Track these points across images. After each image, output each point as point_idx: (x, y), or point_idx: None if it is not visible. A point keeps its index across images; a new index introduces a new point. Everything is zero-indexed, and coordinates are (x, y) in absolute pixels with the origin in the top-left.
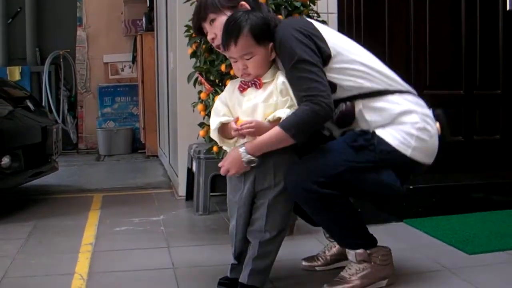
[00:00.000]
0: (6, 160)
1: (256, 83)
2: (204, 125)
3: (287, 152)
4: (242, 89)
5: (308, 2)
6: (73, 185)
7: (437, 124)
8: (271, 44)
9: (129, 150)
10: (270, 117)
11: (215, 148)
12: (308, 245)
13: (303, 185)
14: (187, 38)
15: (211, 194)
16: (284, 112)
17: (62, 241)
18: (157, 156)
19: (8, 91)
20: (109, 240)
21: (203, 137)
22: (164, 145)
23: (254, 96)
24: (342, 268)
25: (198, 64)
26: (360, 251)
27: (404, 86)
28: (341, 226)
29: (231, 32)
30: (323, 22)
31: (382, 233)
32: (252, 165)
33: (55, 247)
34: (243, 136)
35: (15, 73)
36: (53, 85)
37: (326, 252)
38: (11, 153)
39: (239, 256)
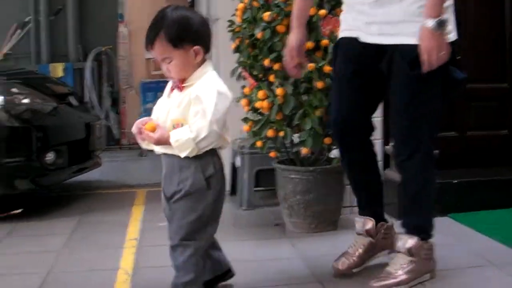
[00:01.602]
0: (50, 156)
1: (179, 86)
2: (248, 120)
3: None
4: (171, 90)
5: None
6: (116, 180)
7: None
8: (195, 47)
9: None
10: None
11: (258, 143)
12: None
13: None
14: (230, 33)
15: (255, 189)
16: (180, 133)
17: (106, 236)
18: None
19: (51, 88)
20: (154, 235)
21: (247, 132)
22: None
23: (173, 99)
24: (379, 264)
25: (241, 59)
26: (415, 240)
27: None
28: (426, 199)
29: (148, 35)
30: None
31: None
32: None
33: (99, 242)
34: (142, 139)
35: (58, 70)
36: (95, 81)
37: (361, 250)
38: (55, 150)
39: None
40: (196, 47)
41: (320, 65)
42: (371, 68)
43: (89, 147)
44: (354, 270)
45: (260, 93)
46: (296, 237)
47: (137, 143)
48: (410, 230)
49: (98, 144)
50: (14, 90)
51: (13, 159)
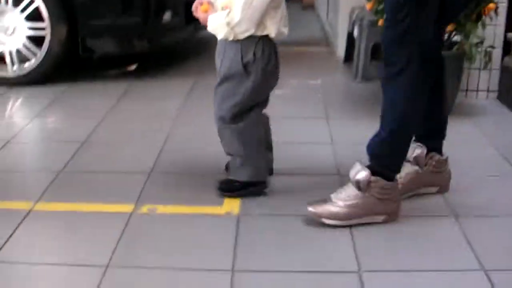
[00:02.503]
0: (167, 15)
1: None
2: None
3: None
4: None
5: None
6: None
7: None
8: None
9: None
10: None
11: (380, 22)
12: None
13: None
14: None
15: (371, 61)
16: (216, 17)
17: None
18: (313, 7)
19: None
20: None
21: (370, 10)
22: None
23: None
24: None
25: None
26: (366, 174)
27: None
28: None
29: None
30: None
31: None
32: None
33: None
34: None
35: None
36: None
37: (405, 177)
38: (172, 9)
39: None
40: None
41: None
42: None
43: None
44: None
45: None
46: None
47: None
48: (370, 157)
49: None
50: None
51: (131, 19)
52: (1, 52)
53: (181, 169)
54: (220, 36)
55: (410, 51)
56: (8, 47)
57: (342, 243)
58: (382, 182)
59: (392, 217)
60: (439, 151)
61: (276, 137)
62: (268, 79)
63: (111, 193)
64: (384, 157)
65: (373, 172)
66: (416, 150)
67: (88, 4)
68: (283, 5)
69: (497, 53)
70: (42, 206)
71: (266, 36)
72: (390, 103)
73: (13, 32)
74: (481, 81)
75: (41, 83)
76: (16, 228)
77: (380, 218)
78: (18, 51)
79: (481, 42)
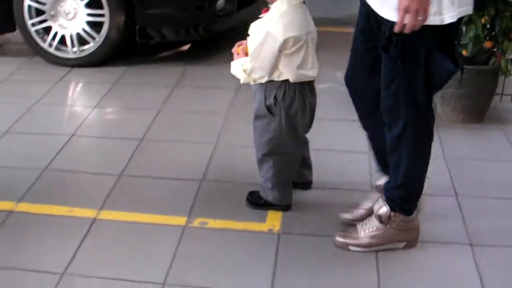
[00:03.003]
0: (220, 2)
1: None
2: None
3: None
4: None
5: None
6: None
7: None
8: None
9: None
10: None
11: None
12: None
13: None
14: None
15: None
16: (237, 63)
17: None
18: None
19: None
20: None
21: None
22: None
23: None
24: None
25: None
26: (387, 210)
27: None
28: (411, 168)
29: None
30: None
31: None
32: None
33: None
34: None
35: None
36: None
37: (371, 203)
38: None
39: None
40: None
41: None
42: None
43: None
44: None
45: None
46: (443, 125)
47: None
48: (388, 198)
49: None
50: None
51: (186, 8)
52: (62, 35)
53: (229, 178)
54: (241, 81)
55: (405, 119)
56: (69, 31)
57: (366, 268)
58: (401, 216)
59: (412, 243)
60: None
61: (316, 143)
62: (294, 120)
63: (166, 203)
64: (400, 200)
65: (393, 209)
66: (379, 179)
67: None
68: (307, 49)
69: None
70: (105, 215)
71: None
72: (397, 161)
73: (73, 17)
74: None
75: (99, 65)
76: (83, 240)
77: (401, 245)
78: (78, 35)
79: None
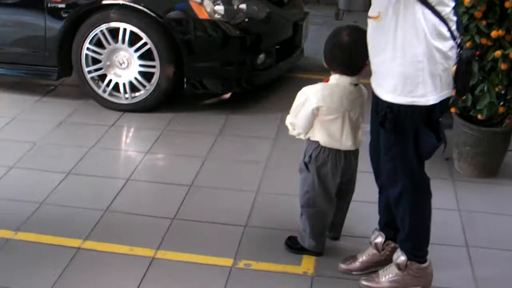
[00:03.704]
0: (261, 57)
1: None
2: None
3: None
4: None
5: None
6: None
7: None
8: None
9: (367, 7)
10: None
11: None
12: None
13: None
14: None
15: None
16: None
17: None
18: None
19: None
20: None
21: None
22: None
23: None
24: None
25: None
26: (404, 259)
27: None
28: (420, 228)
29: None
30: None
31: None
32: None
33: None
34: None
35: None
36: None
37: (364, 257)
38: (266, 51)
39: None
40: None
41: (507, 52)
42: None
43: (295, 43)
44: (355, 273)
45: None
46: (459, 180)
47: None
48: (403, 249)
49: (303, 38)
50: None
51: (230, 62)
52: (116, 82)
53: (269, 224)
54: (289, 132)
55: (402, 182)
56: (122, 79)
57: None
58: (416, 264)
59: (428, 286)
60: (394, 240)
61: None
62: (325, 180)
63: (214, 245)
64: (412, 250)
65: (409, 258)
66: (376, 237)
67: (193, 48)
68: (343, 123)
69: None
70: (162, 255)
71: None
72: (401, 216)
73: (127, 67)
74: None
75: (149, 111)
76: (143, 276)
77: None
78: (130, 83)
79: None
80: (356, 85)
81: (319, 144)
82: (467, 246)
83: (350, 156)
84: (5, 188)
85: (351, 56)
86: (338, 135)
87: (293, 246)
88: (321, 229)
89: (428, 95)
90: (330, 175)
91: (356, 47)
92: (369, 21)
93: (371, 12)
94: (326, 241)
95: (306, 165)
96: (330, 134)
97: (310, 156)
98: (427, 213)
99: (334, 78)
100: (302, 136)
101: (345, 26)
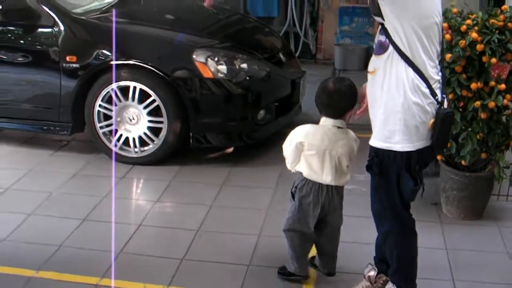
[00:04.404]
0: (261, 113)
1: None
2: None
3: None
4: None
5: None
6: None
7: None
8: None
9: (362, 67)
10: None
11: None
12: None
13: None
14: None
15: None
16: None
17: None
18: None
19: (263, 42)
20: None
21: None
22: None
23: None
24: None
25: None
26: None
27: None
28: (406, 267)
29: None
30: None
31: None
32: None
33: None
34: None
35: None
36: (298, 2)
37: None
38: (266, 107)
39: None
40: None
41: (485, 102)
42: None
43: (293, 100)
44: None
45: None
46: (446, 222)
47: (330, 59)
48: (393, 281)
49: (300, 96)
50: (235, 58)
51: (233, 119)
52: (126, 137)
53: (270, 263)
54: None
55: (389, 222)
56: (132, 134)
57: None
58: None
59: None
60: (386, 273)
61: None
62: (306, 210)
63: (220, 283)
64: (401, 282)
65: None
66: (370, 271)
67: (198, 105)
68: (323, 159)
69: None
70: None
71: None
72: (390, 253)
73: (136, 123)
74: (511, 188)
75: (157, 164)
76: None
77: None
78: (140, 137)
79: (507, 167)
80: (340, 128)
81: (304, 177)
82: (453, 280)
83: (332, 192)
84: (25, 232)
85: (333, 101)
86: (319, 170)
87: (283, 272)
88: (302, 252)
89: (403, 142)
90: (311, 206)
91: (338, 93)
92: (368, 76)
93: (369, 68)
94: (308, 266)
95: (292, 194)
96: (312, 168)
97: (296, 187)
98: (412, 250)
99: (321, 120)
100: (290, 167)
101: (334, 77)
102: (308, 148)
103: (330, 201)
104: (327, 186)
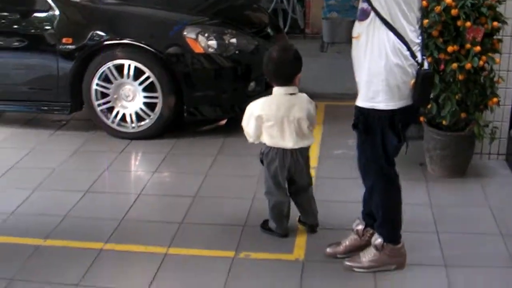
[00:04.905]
0: (251, 85)
1: None
2: None
3: None
4: None
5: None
6: None
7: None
8: None
9: (349, 39)
10: None
11: None
12: None
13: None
14: None
15: None
16: None
17: None
18: None
19: (251, 18)
20: (330, 166)
21: None
22: None
23: None
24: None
25: None
26: (380, 241)
27: None
28: (392, 215)
29: None
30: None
31: None
32: None
33: None
34: None
35: None
36: None
37: (347, 242)
38: (256, 79)
39: None
40: None
41: (462, 64)
42: None
43: None
44: (339, 256)
45: None
46: (431, 180)
47: (318, 33)
48: (379, 233)
49: None
50: (225, 34)
51: (224, 91)
52: (123, 113)
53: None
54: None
55: (373, 175)
56: (129, 110)
57: (366, 282)
58: (391, 245)
59: (400, 266)
60: (373, 227)
61: (331, 196)
62: (275, 174)
63: (219, 241)
64: (386, 234)
65: (384, 240)
66: (358, 225)
67: (191, 79)
68: (282, 126)
69: (505, 126)
70: (173, 251)
71: None
72: (375, 206)
73: (132, 99)
74: (492, 147)
75: (154, 138)
76: (158, 268)
77: (392, 267)
78: (136, 113)
79: (487, 125)
80: (293, 94)
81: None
82: (437, 232)
83: (297, 154)
84: (31, 206)
85: (280, 69)
86: (280, 138)
87: (264, 226)
88: (279, 215)
89: (386, 101)
90: (278, 170)
91: (282, 60)
92: (353, 41)
93: (353, 33)
94: (288, 225)
95: (261, 160)
96: (273, 137)
97: (262, 153)
98: (397, 202)
99: (273, 90)
100: (251, 141)
101: (276, 45)
102: (267, 119)
103: (296, 163)
104: (291, 150)
